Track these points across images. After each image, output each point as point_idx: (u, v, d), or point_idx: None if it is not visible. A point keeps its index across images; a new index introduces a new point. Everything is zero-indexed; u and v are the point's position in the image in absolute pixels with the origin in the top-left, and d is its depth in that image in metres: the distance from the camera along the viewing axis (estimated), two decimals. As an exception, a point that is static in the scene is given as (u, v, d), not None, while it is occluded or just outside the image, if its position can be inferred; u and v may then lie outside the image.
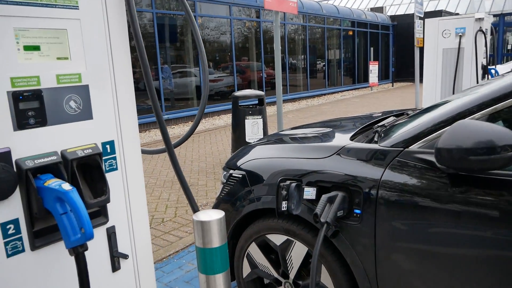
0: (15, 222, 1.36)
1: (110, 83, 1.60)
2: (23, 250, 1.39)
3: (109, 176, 1.62)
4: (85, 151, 1.50)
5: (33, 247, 1.41)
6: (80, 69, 1.51)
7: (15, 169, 1.34)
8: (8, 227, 1.35)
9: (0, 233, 1.33)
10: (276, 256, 2.51)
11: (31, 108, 1.37)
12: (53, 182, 1.33)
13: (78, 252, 1.33)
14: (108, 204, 1.62)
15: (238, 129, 6.70)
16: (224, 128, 10.55)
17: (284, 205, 2.06)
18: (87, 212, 1.31)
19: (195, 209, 1.81)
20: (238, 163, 2.72)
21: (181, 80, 12.61)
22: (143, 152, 2.07)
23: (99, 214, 1.61)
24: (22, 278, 1.39)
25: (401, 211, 1.96)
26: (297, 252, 2.36)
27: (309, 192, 2.16)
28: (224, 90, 13.80)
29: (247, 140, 6.61)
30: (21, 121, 1.35)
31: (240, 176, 2.63)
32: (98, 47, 1.55)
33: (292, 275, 2.42)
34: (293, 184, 2.07)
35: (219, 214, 1.75)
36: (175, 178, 6.14)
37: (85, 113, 1.53)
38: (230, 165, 2.81)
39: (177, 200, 5.19)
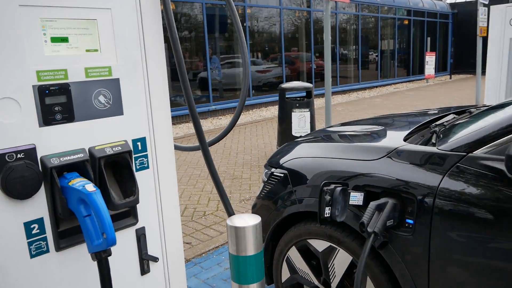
0: (40, 221, 1.30)
1: (142, 76, 1.51)
2: (47, 251, 1.33)
3: (139, 175, 1.53)
4: (114, 148, 1.42)
5: (58, 248, 1.34)
6: (110, 62, 1.42)
7: (40, 167, 1.27)
8: (32, 226, 1.29)
9: (24, 233, 1.27)
10: (318, 262, 2.35)
11: (58, 103, 1.30)
12: (77, 182, 1.26)
13: (101, 258, 1.25)
14: (138, 205, 1.53)
15: (284, 122, 6.53)
16: (271, 120, 10.42)
17: (327, 211, 1.89)
18: (109, 216, 1.22)
19: (230, 213, 1.69)
20: (281, 161, 2.58)
21: (230, 71, 12.58)
22: (177, 148, 1.97)
23: (128, 214, 1.53)
24: (46, 279, 1.33)
25: (460, 223, 1.73)
26: (341, 261, 2.18)
27: (356, 198, 1.97)
28: (272, 81, 13.64)
29: (293, 133, 6.44)
30: (47, 117, 1.28)
31: (282, 175, 2.48)
32: (130, 39, 1.45)
33: (334, 284, 2.25)
34: (338, 189, 1.90)
35: (255, 219, 1.62)
36: (219, 170, 6.10)
37: (115, 109, 1.44)
38: (272, 163, 2.67)
39: (220, 193, 5.13)
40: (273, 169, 2.59)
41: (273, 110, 12.26)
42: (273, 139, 8.10)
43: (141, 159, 1.54)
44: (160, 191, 1.61)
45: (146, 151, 1.55)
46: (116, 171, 1.49)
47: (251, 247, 1.60)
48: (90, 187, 1.23)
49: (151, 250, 1.61)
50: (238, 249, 1.60)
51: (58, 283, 1.36)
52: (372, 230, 1.83)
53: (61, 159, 1.30)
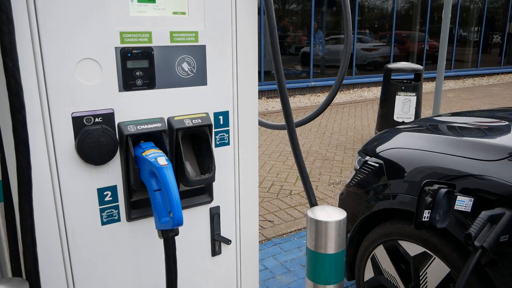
0: (113, 189, 1.26)
1: (231, 44, 1.37)
2: (118, 220, 1.29)
3: (218, 151, 1.43)
4: (193, 120, 1.32)
5: (129, 218, 1.30)
6: (197, 26, 1.30)
7: (116, 134, 1.22)
8: (105, 193, 1.25)
9: (97, 199, 1.24)
10: (407, 267, 2.09)
11: (139, 68, 1.22)
12: (151, 153, 1.18)
13: (167, 236, 1.17)
14: (214, 183, 1.44)
15: (386, 105, 6.09)
16: (372, 102, 9.87)
17: (426, 214, 1.63)
18: (178, 194, 1.12)
19: (312, 203, 1.52)
20: (377, 150, 2.32)
21: (334, 47, 12.11)
22: (262, 125, 1.84)
23: (203, 192, 1.44)
24: (115, 248, 1.31)
25: None
26: (435, 271, 1.91)
27: (464, 203, 1.67)
28: (378, 60, 12.87)
29: (395, 118, 5.98)
30: (128, 82, 1.21)
31: (377, 165, 2.23)
32: (221, 3, 1.32)
33: (424, 295, 1.99)
34: (443, 191, 1.62)
35: (339, 214, 1.44)
36: (311, 149, 5.92)
37: (199, 78, 1.33)
38: (367, 150, 2.42)
39: (309, 173, 4.97)
40: (367, 157, 2.35)
41: (376, 92, 11.61)
42: (372, 122, 7.65)
43: (222, 134, 1.43)
44: (239, 170, 1.49)
45: (228, 126, 1.43)
46: (194, 145, 1.40)
47: (332, 244, 1.42)
48: (163, 160, 1.15)
49: (224, 231, 1.51)
50: (317, 245, 1.44)
51: (127, 253, 1.33)
52: (481, 245, 1.54)
53: (138, 127, 1.23)
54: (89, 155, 1.17)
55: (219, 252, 1.52)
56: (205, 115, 1.36)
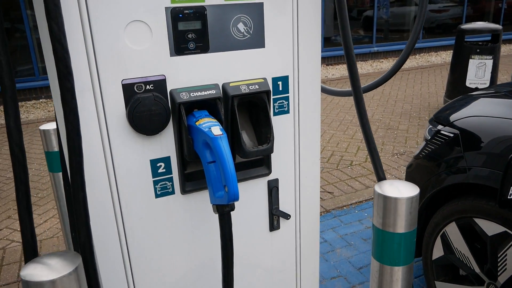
0: (166, 161, 1.20)
1: (291, 2, 1.23)
2: (172, 192, 1.24)
3: (277, 120, 1.32)
4: (250, 87, 1.22)
5: (184, 191, 1.24)
6: (254, -19, 1.18)
7: (168, 102, 1.15)
8: (158, 165, 1.20)
9: (150, 171, 1.19)
10: (484, 247, 1.90)
11: (192, 30, 1.13)
12: (205, 122, 1.10)
13: (223, 212, 1.10)
14: (273, 154, 1.34)
15: (458, 70, 5.61)
16: (440, 67, 9.21)
17: (512, 192, 1.44)
18: (233, 167, 1.03)
19: (380, 176, 1.38)
20: (451, 118, 2.10)
21: (399, 10, 11.36)
22: (325, 91, 1.70)
23: (261, 164, 1.35)
24: (169, 221, 1.26)
25: None
26: (518, 254, 1.71)
27: (558, 180, 1.45)
28: (448, 22, 11.92)
29: (467, 84, 5.51)
30: (180, 45, 1.12)
31: (452, 135, 2.02)
32: (280, -48, 1.18)
33: (502, 278, 1.81)
34: (534, 166, 1.41)
35: (411, 190, 1.29)
36: (373, 118, 5.64)
37: (256, 40, 1.21)
38: (440, 118, 2.20)
39: (371, 143, 4.73)
40: (440, 126, 2.13)
41: (444, 56, 10.83)
42: (440, 89, 7.14)
43: (281, 101, 1.31)
44: (300, 141, 1.38)
45: (288, 92, 1.31)
46: (251, 113, 1.30)
47: (402, 223, 1.29)
48: (217, 130, 1.06)
49: (283, 206, 1.42)
50: (385, 223, 1.31)
51: (181, 227, 1.28)
52: None
53: (191, 94, 1.15)
54: (141, 124, 1.11)
55: (278, 227, 1.44)
56: (262, 80, 1.24)
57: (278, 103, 1.31)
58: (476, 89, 5.47)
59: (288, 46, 1.26)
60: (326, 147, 4.64)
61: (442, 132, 2.07)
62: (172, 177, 1.23)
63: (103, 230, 1.17)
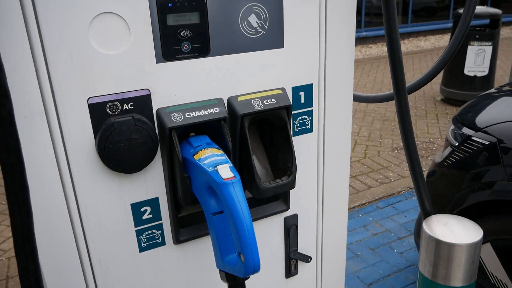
0: (153, 203, 0.88)
1: (318, -14, 0.92)
2: (162, 243, 0.93)
3: (297, 141, 1.01)
4: (265, 101, 0.90)
5: (177, 240, 0.93)
6: (270, -44, 0.85)
7: (156, 125, 0.82)
8: (142, 210, 0.88)
9: (131, 218, 0.87)
10: (525, 274, 1.65)
11: (186, 25, 0.80)
12: (207, 157, 0.78)
13: (234, 284, 0.79)
14: (291, 184, 1.03)
15: (455, 56, 5.36)
16: (431, 53, 8.97)
17: None
18: (252, 228, 0.72)
19: (426, 210, 1.09)
20: (483, 123, 1.82)
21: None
22: (357, 99, 1.39)
23: (277, 197, 1.05)
24: (159, 280, 0.95)
25: None
26: None
27: None
28: (433, 5, 11.64)
29: (465, 72, 5.27)
30: (169, 47, 0.80)
31: (487, 143, 1.74)
32: None
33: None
34: None
35: (472, 232, 1.00)
36: (368, 108, 5.36)
37: (272, 37, 0.89)
38: (467, 121, 1.91)
39: (368, 136, 4.47)
40: (469, 131, 1.85)
41: (433, 41, 10.60)
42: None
43: (303, 117, 1.00)
44: (325, 167, 1.08)
45: (311, 105, 1.00)
46: (263, 132, 0.99)
47: (460, 275, 1.00)
48: (226, 171, 0.74)
49: (303, 246, 1.12)
50: (437, 273, 1.02)
51: (175, 283, 0.97)
52: None
53: (186, 115, 0.83)
54: (117, 160, 0.79)
55: (295, 273, 1.14)
56: (280, 92, 0.93)
57: (299, 120, 1.00)
58: (475, 77, 5.24)
59: (313, 45, 0.95)
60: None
61: (473, 138, 1.79)
62: (161, 223, 0.91)
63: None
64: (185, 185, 0.82)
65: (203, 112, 0.84)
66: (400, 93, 1.00)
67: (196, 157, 0.79)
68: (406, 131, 1.03)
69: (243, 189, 0.74)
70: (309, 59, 0.96)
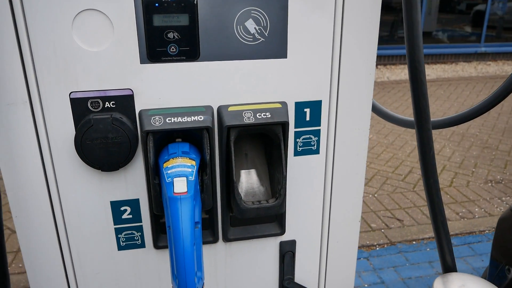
0: (134, 204, 0.87)
1: (334, -9, 0.82)
2: (142, 245, 0.91)
3: (300, 162, 0.92)
4: (258, 114, 0.83)
5: (157, 246, 0.91)
6: (276, -42, 0.78)
7: (138, 127, 0.81)
8: (122, 209, 0.87)
9: (111, 216, 0.87)
10: None
11: (173, 27, 0.77)
12: (173, 166, 0.74)
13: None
14: (291, 208, 0.95)
15: None
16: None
17: None
18: (192, 250, 0.67)
19: (447, 265, 0.92)
20: None
21: (518, 5, 9.90)
22: (380, 113, 1.26)
23: (272, 219, 0.97)
24: (137, 282, 0.94)
25: None
26: None
27: None
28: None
29: None
30: (155, 48, 0.77)
31: None
32: None
33: None
34: None
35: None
36: (468, 132, 4.85)
37: (273, 46, 0.82)
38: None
39: (461, 163, 4.04)
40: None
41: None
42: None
43: (307, 136, 0.91)
44: (333, 194, 0.97)
45: (319, 125, 0.91)
46: (267, 148, 0.92)
47: None
48: (181, 184, 0.70)
49: (300, 277, 1.03)
50: None
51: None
52: None
53: (167, 120, 0.80)
54: (92, 157, 0.79)
55: (291, 303, 1.05)
56: (279, 106, 0.85)
57: (303, 139, 0.91)
58: None
59: (325, 58, 0.85)
60: (404, 161, 4.05)
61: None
62: (141, 225, 0.90)
63: (49, 283, 0.89)
64: (155, 192, 0.80)
65: (186, 119, 0.80)
66: (422, 122, 0.85)
67: (165, 164, 0.76)
68: (427, 168, 0.88)
69: (194, 207, 0.68)
70: (318, 74, 0.86)
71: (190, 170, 0.74)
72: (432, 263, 2.57)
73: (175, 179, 0.70)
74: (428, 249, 2.71)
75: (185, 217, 0.66)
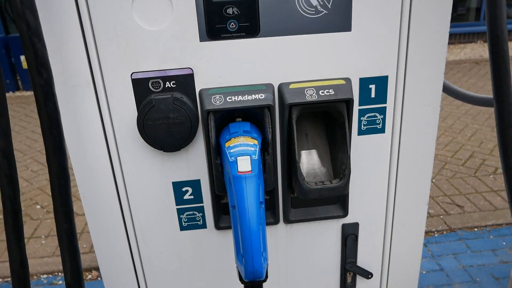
0: (195, 185, 0.87)
1: (402, -44, 0.76)
2: (203, 226, 0.91)
3: (364, 141, 0.88)
4: (321, 91, 0.80)
5: (218, 226, 0.90)
6: None
7: (198, 106, 0.80)
8: (184, 189, 0.87)
9: (173, 196, 0.88)
10: None
11: (232, 2, 0.75)
12: (236, 145, 0.73)
13: (248, 285, 0.73)
14: (354, 189, 0.91)
15: None
16: None
17: None
18: (258, 231, 0.65)
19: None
20: None
21: None
22: (450, 91, 1.18)
23: (334, 200, 0.93)
24: (199, 261, 0.95)
25: None
26: None
27: None
28: None
29: None
30: (214, 25, 0.76)
31: None
32: None
33: None
34: None
35: None
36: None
37: (337, 18, 0.78)
38: None
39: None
40: None
41: None
42: None
43: (372, 114, 0.86)
44: (398, 174, 0.92)
45: (385, 102, 0.86)
46: (328, 126, 0.89)
47: None
48: (245, 163, 0.68)
49: (363, 260, 0.99)
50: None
51: (215, 270, 0.95)
52: None
53: (228, 98, 0.78)
54: (154, 137, 0.79)
55: (352, 286, 1.02)
56: (343, 82, 0.81)
57: (368, 117, 0.86)
58: None
59: (392, 30, 0.80)
60: (464, 145, 3.84)
61: None
62: (203, 206, 0.90)
63: (117, 260, 0.91)
64: (216, 172, 0.79)
65: (246, 98, 0.78)
66: (503, 96, 0.78)
67: (227, 144, 0.74)
68: (506, 147, 0.81)
69: (258, 186, 0.67)
70: (384, 47, 0.81)
71: (253, 149, 0.72)
72: (496, 251, 2.43)
73: (238, 158, 0.69)
74: (491, 237, 2.57)
75: (251, 196, 0.64)
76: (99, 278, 2.42)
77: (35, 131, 4.82)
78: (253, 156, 0.69)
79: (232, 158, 0.69)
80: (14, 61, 6.69)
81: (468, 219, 2.73)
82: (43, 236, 2.83)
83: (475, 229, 2.64)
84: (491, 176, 3.26)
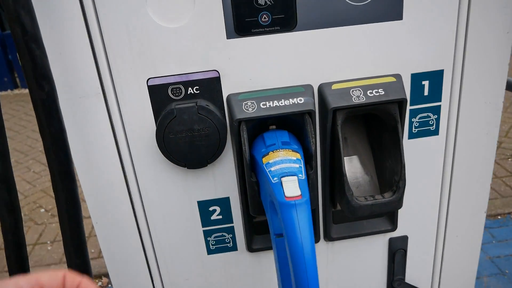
0: (224, 203, 0.76)
1: None
2: (234, 248, 0.81)
3: (414, 145, 0.77)
4: (369, 92, 0.68)
5: (251, 248, 0.80)
6: None
7: (226, 114, 0.68)
8: (211, 209, 0.76)
9: (198, 217, 0.76)
10: None
11: (264, -10, 0.62)
12: (276, 162, 0.61)
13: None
14: (404, 197, 0.80)
15: None
16: None
17: None
18: (316, 269, 0.54)
19: None
20: None
21: None
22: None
23: (381, 213, 0.82)
24: (231, 287, 0.84)
25: None
26: None
27: None
28: None
29: None
30: (243, 19, 0.64)
31: None
32: None
33: None
34: None
35: None
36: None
37: (385, 6, 0.66)
38: None
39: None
40: None
41: None
42: None
43: (425, 115, 0.75)
44: (453, 181, 0.81)
45: (440, 100, 0.74)
46: (370, 128, 0.77)
47: None
48: (293, 186, 0.56)
49: (412, 277, 0.89)
50: None
51: (248, 296, 0.85)
52: None
53: (261, 104, 0.66)
54: (177, 152, 0.68)
55: (400, 305, 0.91)
56: (394, 80, 0.69)
57: (420, 118, 0.75)
58: None
59: (448, 17, 0.68)
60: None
61: None
62: (233, 227, 0.79)
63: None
64: (252, 192, 0.67)
65: (283, 103, 0.67)
66: None
67: (265, 159, 0.63)
68: None
69: (311, 213, 0.55)
70: (440, 37, 0.69)
71: (297, 165, 0.60)
72: (524, 240, 2.34)
73: (283, 179, 0.57)
74: (516, 225, 2.47)
75: (304, 228, 0.53)
76: (109, 286, 2.32)
77: (36, 130, 4.69)
78: (300, 175, 0.58)
79: (275, 179, 0.58)
80: (11, 57, 6.54)
81: (490, 206, 2.62)
82: (48, 242, 2.74)
83: (499, 217, 2.54)
84: (509, 159, 3.15)
